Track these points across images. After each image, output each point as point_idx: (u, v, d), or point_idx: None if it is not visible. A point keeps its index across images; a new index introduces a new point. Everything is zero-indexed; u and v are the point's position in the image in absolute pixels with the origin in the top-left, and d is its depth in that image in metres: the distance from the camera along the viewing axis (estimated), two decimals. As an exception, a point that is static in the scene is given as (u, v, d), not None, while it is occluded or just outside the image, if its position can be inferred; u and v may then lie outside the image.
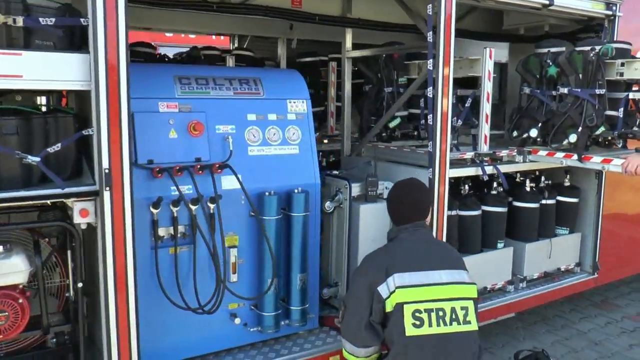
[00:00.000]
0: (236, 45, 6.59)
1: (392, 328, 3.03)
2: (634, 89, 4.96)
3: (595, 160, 4.52)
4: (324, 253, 4.44)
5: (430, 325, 2.99)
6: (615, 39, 5.16)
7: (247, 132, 3.79)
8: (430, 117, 4.09)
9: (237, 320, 3.77)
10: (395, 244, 3.40)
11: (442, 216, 4.20)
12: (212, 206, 3.55)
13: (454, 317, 3.08)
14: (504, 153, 4.75)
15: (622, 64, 4.68)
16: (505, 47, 5.82)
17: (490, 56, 4.44)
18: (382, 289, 3.10)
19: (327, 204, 4.30)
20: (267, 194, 3.69)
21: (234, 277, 3.74)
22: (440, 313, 3.07)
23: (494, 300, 4.85)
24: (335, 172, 4.60)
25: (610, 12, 5.09)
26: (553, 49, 4.80)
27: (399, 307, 3.03)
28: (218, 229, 3.56)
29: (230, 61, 5.53)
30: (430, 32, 4.03)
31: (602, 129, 4.59)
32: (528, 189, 5.16)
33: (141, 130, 3.43)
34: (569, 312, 5.90)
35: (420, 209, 3.46)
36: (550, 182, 5.44)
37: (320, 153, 6.61)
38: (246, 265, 3.79)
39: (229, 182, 3.66)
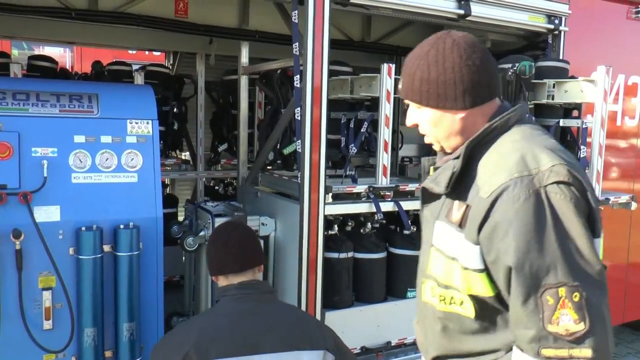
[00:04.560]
0: (171, 61, 6.13)
1: None
2: (574, 115, 4.23)
3: (513, 199, 3.80)
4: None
5: None
6: (562, 57, 4.44)
7: (73, 156, 3.28)
8: (298, 142, 3.48)
9: (49, 374, 3.23)
10: (214, 311, 2.60)
11: (313, 260, 3.56)
12: (17, 241, 3.06)
13: None
14: (411, 187, 4.07)
15: (553, 85, 3.98)
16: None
17: (390, 73, 3.79)
18: None
19: (189, 240, 3.74)
20: (83, 229, 3.16)
21: (47, 324, 3.20)
22: None
23: (401, 357, 4.13)
24: (210, 203, 4.04)
25: (552, 26, 4.36)
26: (474, 67, 4.11)
27: None
28: (33, 266, 3.10)
29: (139, 78, 5.05)
30: (297, 44, 3.45)
31: (523, 161, 3.86)
32: (454, 228, 4.43)
33: None
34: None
35: (244, 259, 2.53)
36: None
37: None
38: (66, 310, 3.25)
39: (44, 214, 3.16)
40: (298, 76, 3.45)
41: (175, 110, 5.28)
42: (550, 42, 4.48)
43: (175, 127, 5.27)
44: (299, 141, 3.49)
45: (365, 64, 4.99)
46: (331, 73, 4.22)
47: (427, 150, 5.12)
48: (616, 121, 5.03)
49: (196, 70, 5.38)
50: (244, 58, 4.41)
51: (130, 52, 7.20)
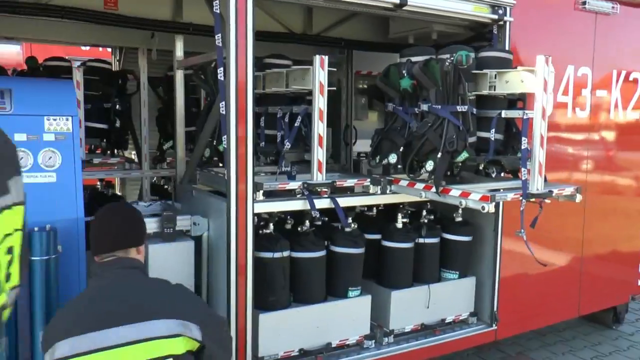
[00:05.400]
0: (118, 57, 5.94)
1: None
2: (519, 106, 4.13)
3: (453, 194, 3.71)
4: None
5: None
6: (507, 47, 4.33)
7: (-17, 155, 3.11)
8: (224, 138, 3.35)
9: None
10: (80, 293, 2.55)
11: (242, 259, 3.43)
12: None
13: None
14: (349, 182, 3.95)
15: (495, 76, 3.86)
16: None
17: (322, 65, 3.65)
18: None
19: (116, 242, 3.58)
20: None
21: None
22: None
23: (343, 358, 4.01)
24: (142, 203, 3.90)
25: (496, 17, 4.26)
26: (415, 58, 4.00)
27: None
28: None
29: (78, 74, 4.86)
30: (219, 35, 3.31)
31: (464, 154, 3.76)
32: (400, 225, 4.33)
33: None
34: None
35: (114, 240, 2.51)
36: (433, 217, 4.59)
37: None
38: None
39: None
40: (222, 69, 3.31)
41: (117, 107, 5.10)
42: (496, 32, 4.38)
43: (118, 125, 5.09)
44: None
45: (310, 58, 4.85)
46: (268, 66, 4.12)
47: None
48: (567, 113, 4.94)
49: (139, 65, 5.20)
50: (179, 52, 4.27)
51: (83, 48, 6.99)
